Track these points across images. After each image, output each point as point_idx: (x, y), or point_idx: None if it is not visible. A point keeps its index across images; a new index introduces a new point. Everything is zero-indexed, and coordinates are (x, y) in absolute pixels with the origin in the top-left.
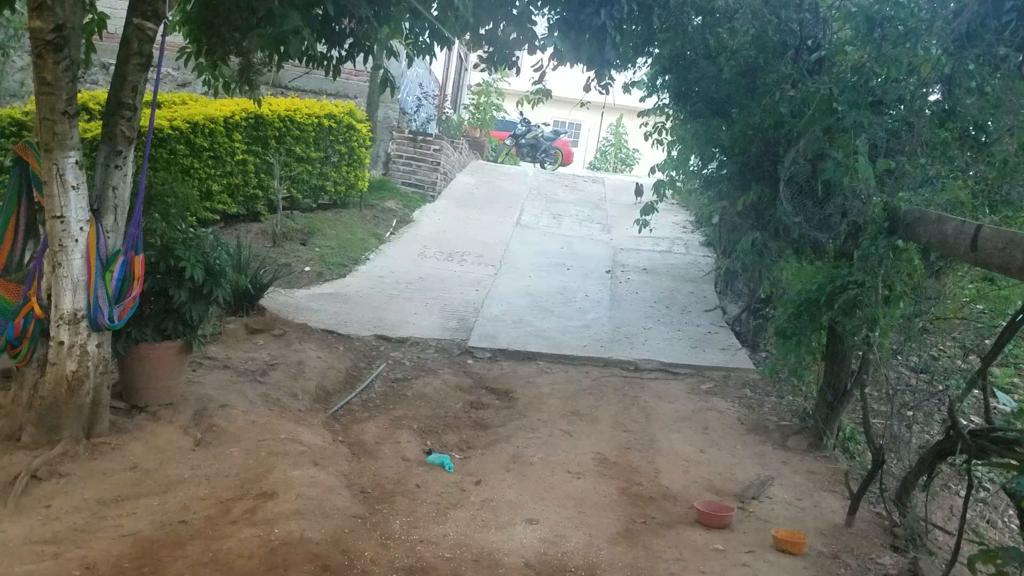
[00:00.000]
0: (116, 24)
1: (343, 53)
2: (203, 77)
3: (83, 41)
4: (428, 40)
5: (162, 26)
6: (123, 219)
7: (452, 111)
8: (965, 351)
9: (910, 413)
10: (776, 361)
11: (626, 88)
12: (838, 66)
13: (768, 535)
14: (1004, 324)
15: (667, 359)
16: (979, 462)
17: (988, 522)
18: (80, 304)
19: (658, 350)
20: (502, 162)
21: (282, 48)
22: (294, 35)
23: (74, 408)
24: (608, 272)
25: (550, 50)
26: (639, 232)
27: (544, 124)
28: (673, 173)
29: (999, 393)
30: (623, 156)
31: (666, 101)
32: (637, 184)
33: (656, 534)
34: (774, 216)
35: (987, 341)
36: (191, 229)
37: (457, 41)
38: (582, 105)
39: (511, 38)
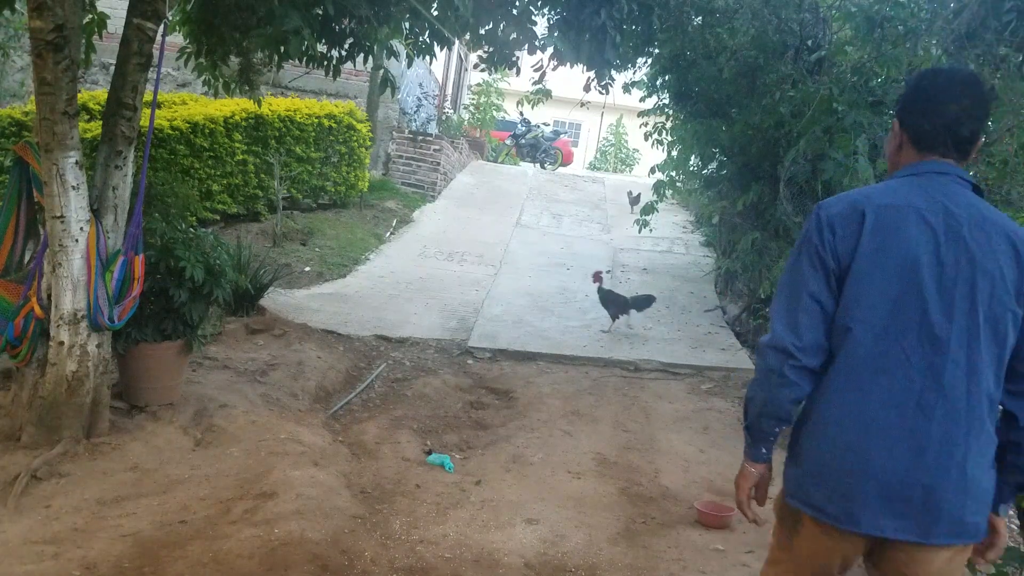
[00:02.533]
0: (116, 24)
1: (343, 53)
2: (203, 77)
3: (83, 41)
4: (428, 40)
5: (162, 26)
6: (123, 219)
7: (452, 111)
8: None
9: None
10: None
11: (626, 88)
12: (838, 66)
13: (768, 535)
14: None
15: (667, 359)
16: None
17: None
18: (80, 304)
19: (658, 350)
20: (502, 162)
21: (282, 48)
22: (294, 35)
23: (74, 408)
24: (608, 272)
25: (550, 50)
26: (639, 232)
27: (544, 124)
28: (673, 173)
29: None
30: (623, 156)
31: (666, 101)
32: (630, 192)
33: (656, 534)
34: (774, 216)
35: None
36: (191, 229)
37: (457, 41)
38: (582, 105)
39: (511, 38)
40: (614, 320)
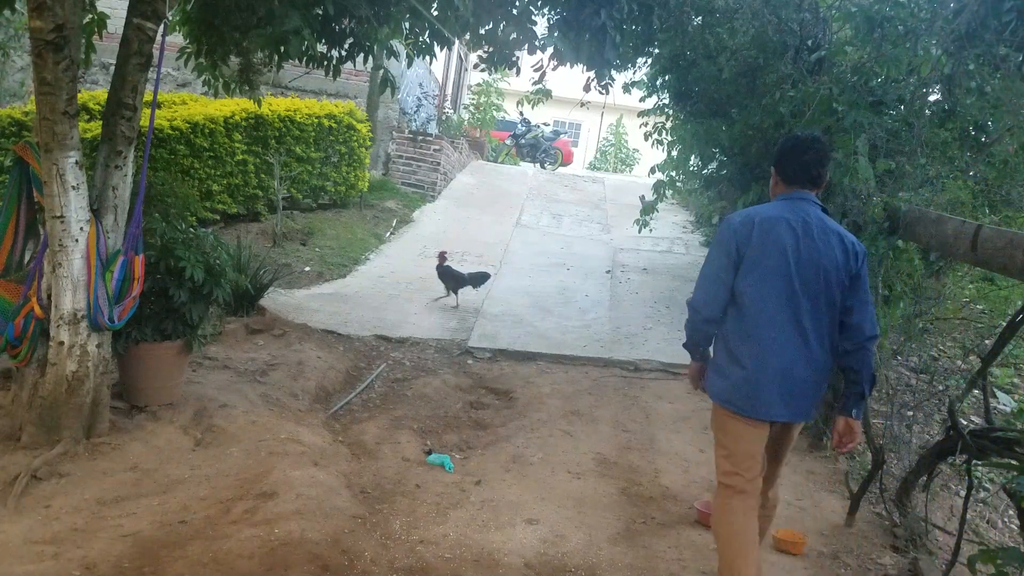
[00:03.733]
0: (116, 24)
1: (343, 53)
2: (203, 77)
3: (83, 41)
4: (428, 40)
5: (162, 26)
6: (123, 219)
7: (452, 111)
8: (965, 351)
9: (910, 413)
10: None
11: (626, 88)
12: (838, 66)
13: (768, 535)
14: (1004, 324)
15: (667, 359)
16: (979, 462)
17: (988, 522)
18: (80, 304)
19: (658, 350)
20: (502, 162)
21: (282, 48)
22: (294, 35)
23: (74, 408)
24: (608, 272)
25: (550, 50)
26: (639, 232)
27: (544, 124)
28: (673, 173)
29: (999, 393)
30: (623, 156)
31: (666, 101)
32: (643, 197)
33: (656, 534)
34: None
35: (987, 341)
36: (191, 229)
37: (457, 41)
38: (582, 105)
39: (511, 38)
40: (448, 293)
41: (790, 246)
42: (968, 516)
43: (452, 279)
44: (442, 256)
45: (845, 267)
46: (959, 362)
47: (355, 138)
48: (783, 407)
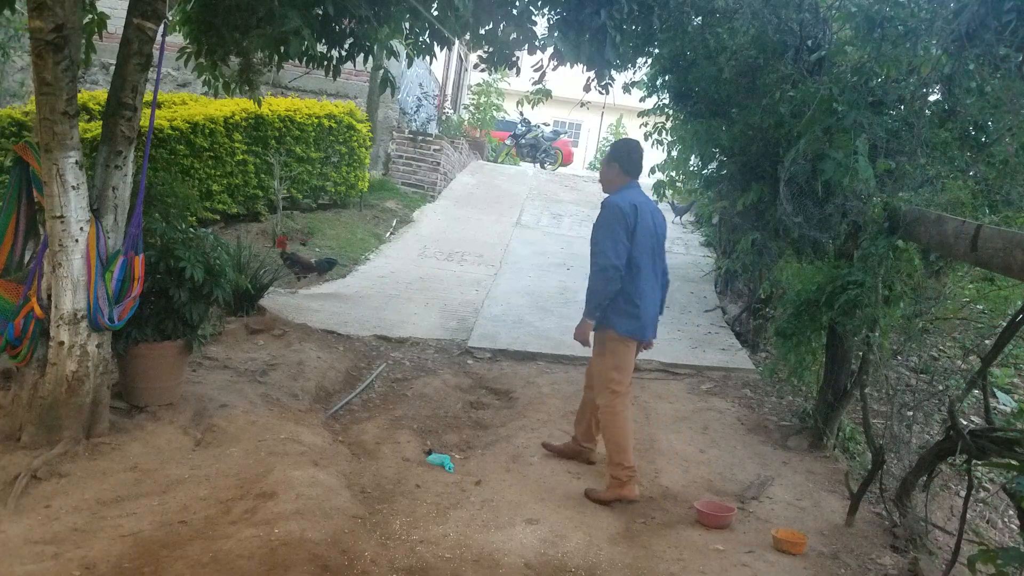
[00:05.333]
0: (116, 24)
1: (343, 53)
2: (203, 77)
3: (83, 41)
4: (428, 40)
5: (162, 26)
6: (123, 219)
7: (452, 111)
8: (965, 351)
9: (910, 413)
10: (776, 361)
11: (626, 88)
12: (838, 66)
13: (768, 535)
14: (1004, 324)
15: (667, 359)
16: (979, 462)
17: (988, 522)
18: (80, 304)
19: (658, 350)
20: (502, 162)
21: (282, 48)
22: (294, 35)
23: (74, 408)
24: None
25: (550, 50)
26: None
27: (544, 124)
28: (673, 173)
29: (999, 393)
30: None
31: (666, 101)
32: (673, 204)
33: (656, 534)
34: (774, 216)
35: (987, 341)
36: (191, 229)
37: (457, 41)
38: (582, 105)
39: (511, 38)
40: (299, 279)
41: (649, 221)
42: (968, 516)
43: (298, 265)
44: (282, 243)
45: (664, 233)
46: (959, 362)
47: (355, 138)
48: (653, 329)
